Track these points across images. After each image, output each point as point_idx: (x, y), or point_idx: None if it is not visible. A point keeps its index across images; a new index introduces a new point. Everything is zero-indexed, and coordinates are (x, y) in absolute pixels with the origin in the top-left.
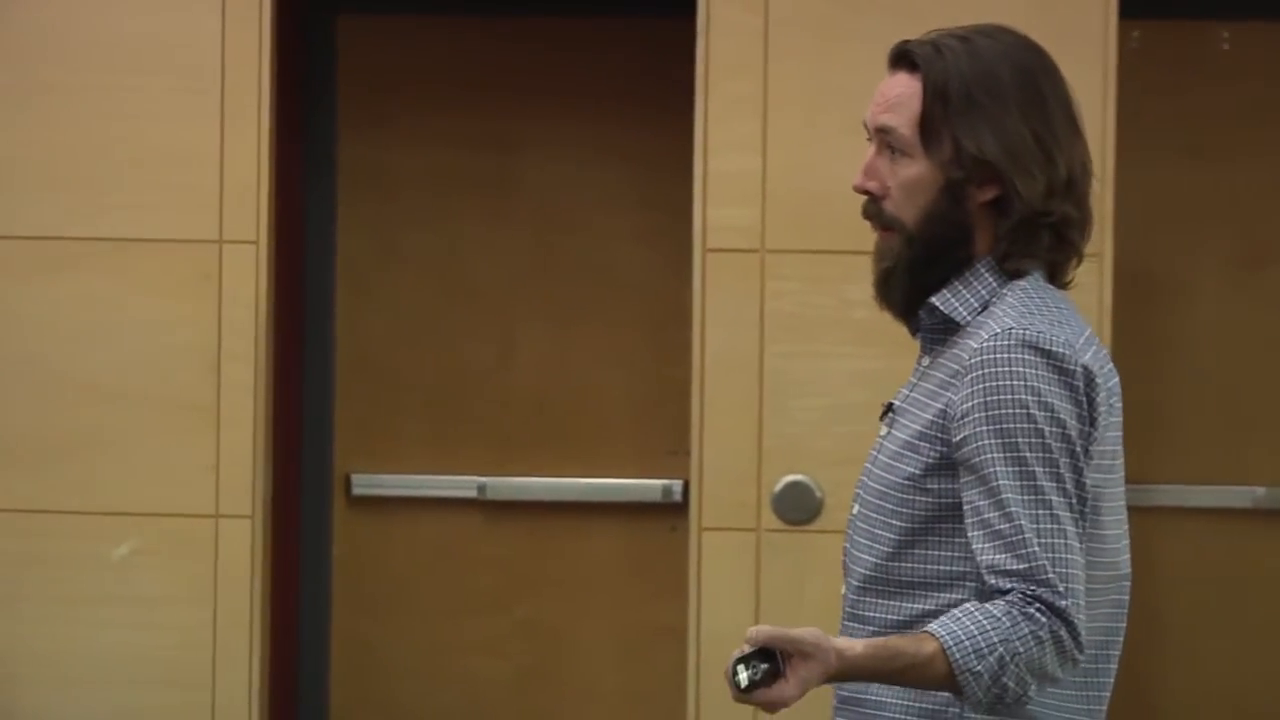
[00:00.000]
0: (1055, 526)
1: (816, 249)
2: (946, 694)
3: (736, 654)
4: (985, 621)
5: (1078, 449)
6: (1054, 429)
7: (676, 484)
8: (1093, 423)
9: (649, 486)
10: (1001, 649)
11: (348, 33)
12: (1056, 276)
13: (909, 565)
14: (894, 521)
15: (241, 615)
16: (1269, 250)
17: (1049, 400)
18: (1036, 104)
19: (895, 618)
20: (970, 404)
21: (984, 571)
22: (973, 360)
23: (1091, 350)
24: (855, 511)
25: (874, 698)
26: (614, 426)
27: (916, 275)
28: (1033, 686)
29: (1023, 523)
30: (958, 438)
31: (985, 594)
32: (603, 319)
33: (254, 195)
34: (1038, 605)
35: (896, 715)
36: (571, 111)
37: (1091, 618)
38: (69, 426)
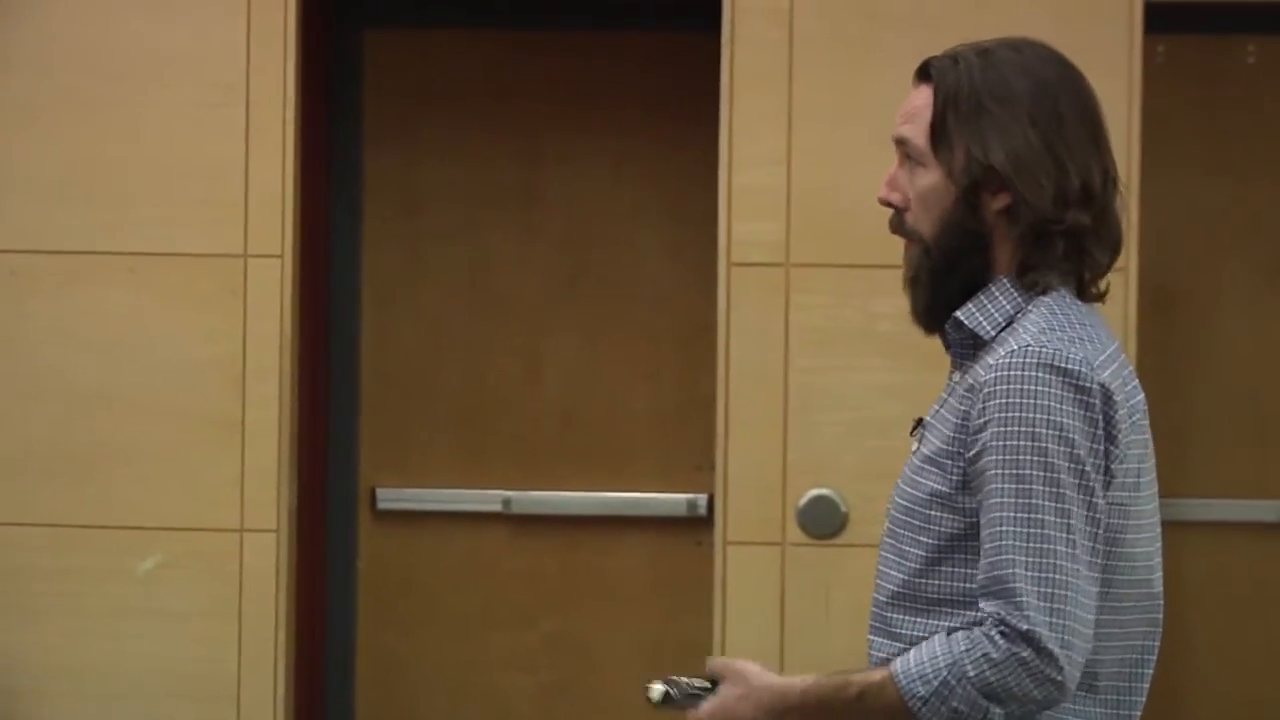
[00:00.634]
0: (1044, 546)
1: (841, 263)
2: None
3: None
4: (938, 648)
5: (1088, 469)
6: (1062, 448)
7: (702, 498)
8: (1111, 440)
9: (674, 501)
10: (947, 673)
11: (375, 46)
12: (1083, 290)
13: (936, 582)
14: (921, 538)
15: (267, 629)
16: None
17: (1059, 419)
18: (1049, 113)
19: (924, 635)
20: (982, 420)
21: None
22: (987, 377)
23: (1112, 367)
24: (886, 527)
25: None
26: (640, 440)
27: (937, 285)
28: (994, 710)
29: (1009, 543)
30: (971, 454)
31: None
32: (629, 333)
33: (279, 209)
34: (1001, 628)
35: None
36: (598, 125)
37: (1125, 635)
38: (94, 441)
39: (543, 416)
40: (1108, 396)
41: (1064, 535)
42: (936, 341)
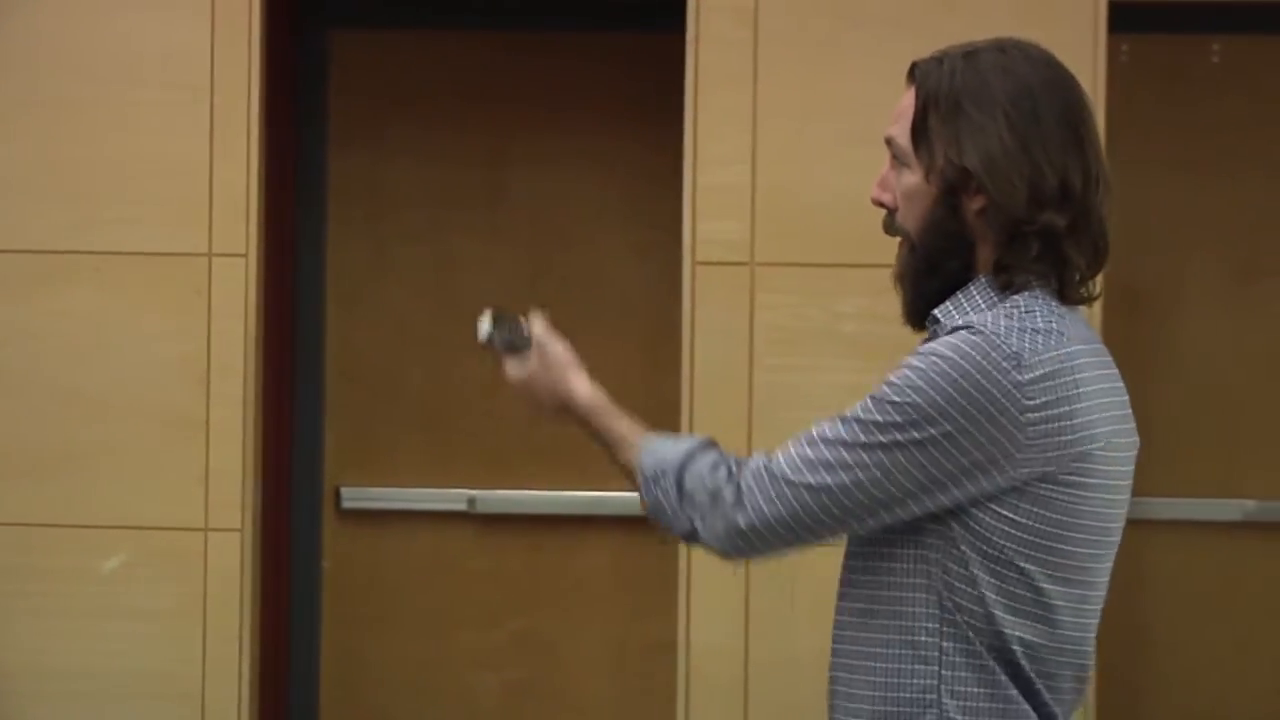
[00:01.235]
0: (832, 448)
1: (807, 262)
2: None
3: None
4: (690, 442)
5: (954, 433)
6: (940, 400)
7: None
8: (1017, 431)
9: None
10: (672, 462)
11: (340, 47)
12: (1064, 292)
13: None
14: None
15: (231, 628)
16: (1260, 263)
17: (960, 383)
18: (1027, 114)
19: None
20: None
21: None
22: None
23: (1063, 365)
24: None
25: (850, 648)
26: None
27: (919, 284)
28: (684, 514)
29: (817, 424)
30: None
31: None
32: (594, 332)
33: (244, 208)
34: (738, 467)
35: (876, 678)
36: (563, 125)
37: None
38: (57, 439)
39: (508, 416)
40: (1020, 389)
41: (870, 468)
42: (903, 341)
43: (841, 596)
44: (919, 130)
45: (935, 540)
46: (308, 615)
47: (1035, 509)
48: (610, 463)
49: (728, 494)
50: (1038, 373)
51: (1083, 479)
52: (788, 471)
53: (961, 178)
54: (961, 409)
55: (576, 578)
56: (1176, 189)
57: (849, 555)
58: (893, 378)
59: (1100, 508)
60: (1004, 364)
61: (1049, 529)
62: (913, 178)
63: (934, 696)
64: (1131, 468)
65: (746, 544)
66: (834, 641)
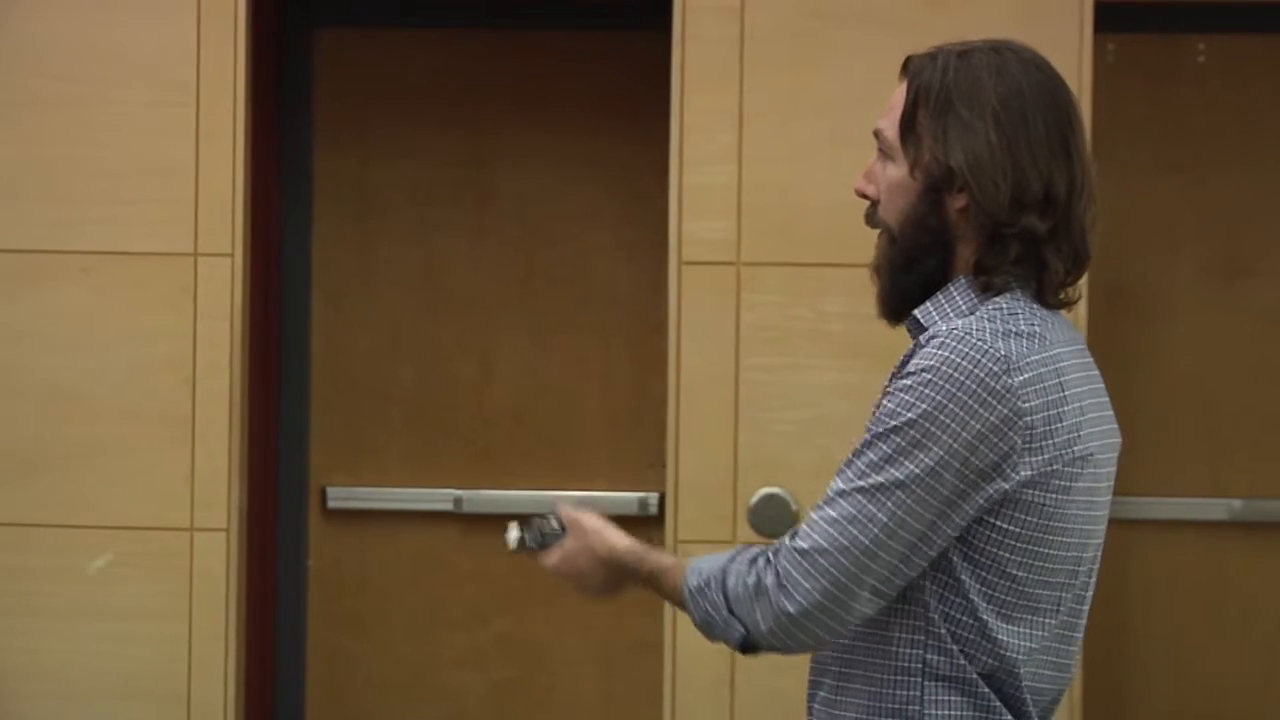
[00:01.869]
0: (861, 506)
1: (793, 261)
2: (904, 700)
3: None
4: (729, 554)
5: (966, 455)
6: (945, 421)
7: (653, 496)
8: (1009, 435)
9: (626, 499)
10: (715, 574)
11: (326, 46)
12: (1043, 295)
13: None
14: None
15: (217, 628)
16: (1245, 262)
17: (959, 396)
18: (1016, 117)
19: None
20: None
21: None
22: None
23: (1043, 370)
24: None
25: (835, 669)
26: (591, 439)
27: (896, 277)
28: (736, 626)
29: (834, 485)
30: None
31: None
32: (581, 332)
33: (230, 208)
34: (772, 555)
35: (862, 687)
36: (550, 124)
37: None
38: (44, 439)
39: (494, 415)
40: (1013, 392)
41: (889, 506)
42: (888, 340)
43: None
44: (907, 124)
45: None
46: (294, 615)
47: (1026, 516)
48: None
49: (769, 581)
50: (1027, 375)
51: (1070, 483)
52: (816, 539)
53: (946, 175)
54: (962, 421)
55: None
56: (1162, 188)
57: None
58: (887, 403)
59: (1085, 509)
60: (994, 368)
61: (1039, 534)
62: (898, 171)
63: (916, 709)
64: (1114, 468)
65: (801, 629)
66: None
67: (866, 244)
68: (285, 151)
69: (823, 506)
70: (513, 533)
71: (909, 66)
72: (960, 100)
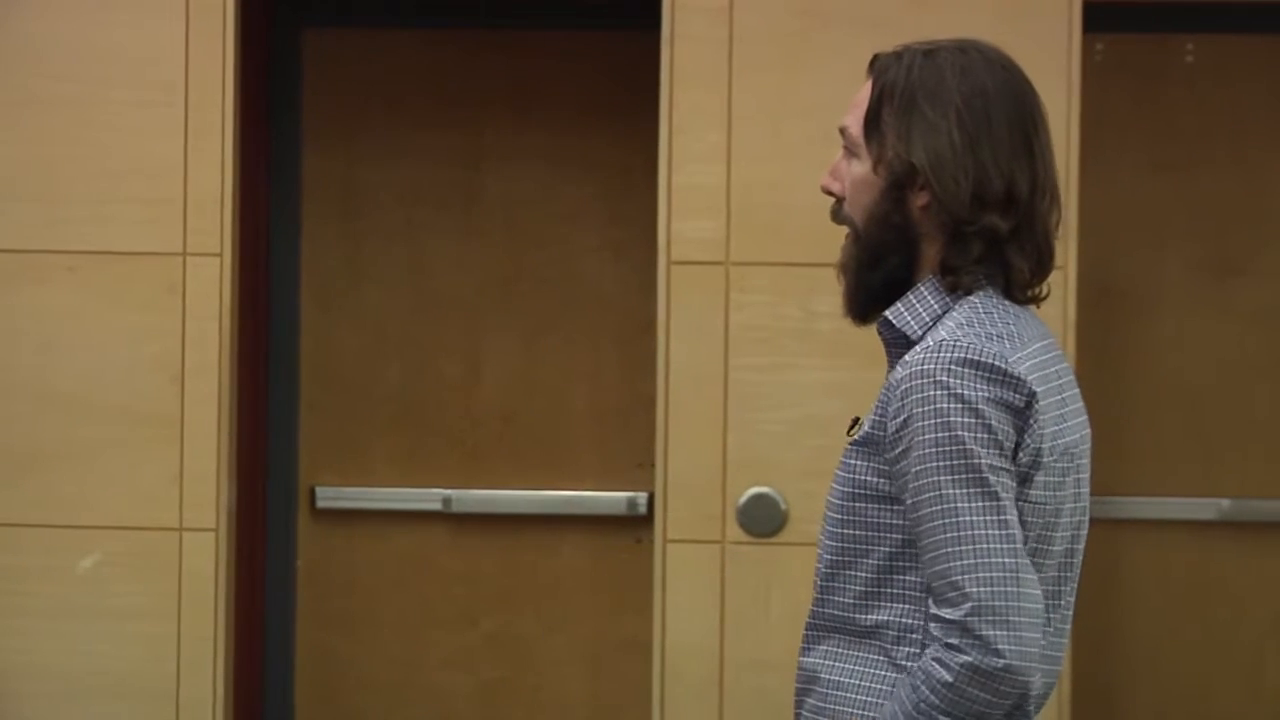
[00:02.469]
0: (980, 546)
1: (781, 261)
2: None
3: None
4: (893, 704)
5: (1007, 458)
6: (982, 435)
7: (642, 496)
8: (1027, 432)
9: (615, 499)
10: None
11: (314, 46)
12: (1010, 293)
13: (862, 574)
14: (842, 530)
15: (206, 628)
16: (1234, 261)
17: (978, 407)
18: (979, 115)
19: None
20: (901, 419)
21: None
22: (903, 374)
23: (1031, 363)
24: (822, 527)
25: (826, 676)
26: (580, 439)
27: (861, 275)
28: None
29: (946, 548)
30: (894, 452)
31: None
32: (570, 332)
33: (218, 207)
34: (947, 643)
35: (854, 695)
36: (538, 124)
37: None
38: (32, 438)
39: (483, 415)
40: (1020, 386)
41: (998, 529)
42: (878, 340)
43: (814, 616)
44: (871, 121)
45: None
46: (282, 615)
47: (1030, 518)
48: None
49: (952, 660)
50: (1016, 371)
51: (1061, 477)
52: (968, 594)
53: (908, 172)
54: (986, 425)
55: (552, 577)
56: (1151, 187)
57: (827, 575)
58: (919, 436)
59: (1074, 501)
60: (990, 374)
61: (1042, 531)
62: (862, 168)
63: None
64: (1089, 460)
65: (1023, 663)
66: (805, 654)
67: None
68: (274, 151)
69: (948, 567)
70: None
71: (875, 64)
72: (924, 98)
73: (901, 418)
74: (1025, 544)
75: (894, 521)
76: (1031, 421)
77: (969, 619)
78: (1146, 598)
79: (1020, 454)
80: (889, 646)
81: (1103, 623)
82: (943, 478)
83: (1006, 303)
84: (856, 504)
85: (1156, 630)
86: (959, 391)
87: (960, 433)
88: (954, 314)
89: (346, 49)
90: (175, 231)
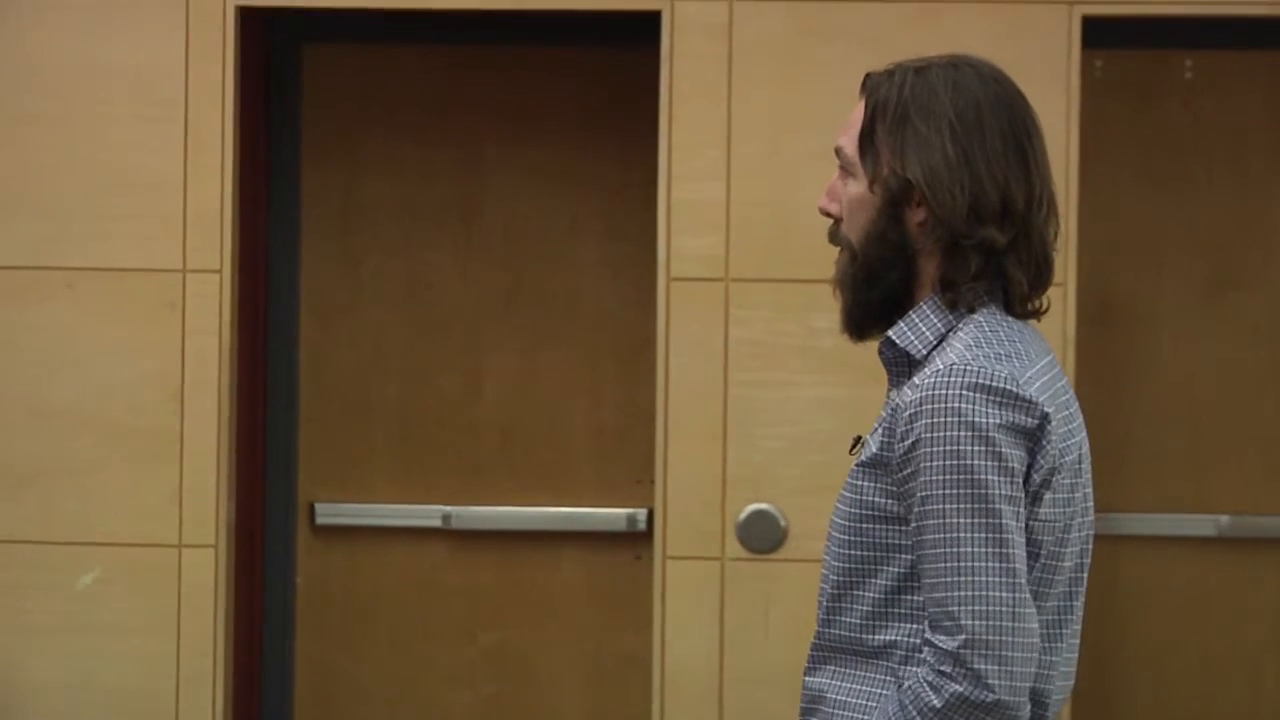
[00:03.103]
0: (978, 577)
1: (781, 277)
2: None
3: None
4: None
5: (1018, 484)
6: (991, 462)
7: (641, 513)
8: (1040, 455)
9: (614, 515)
10: None
11: (313, 61)
12: (1011, 308)
13: (870, 595)
14: (849, 551)
15: (205, 645)
16: (1233, 278)
17: (987, 434)
18: (973, 129)
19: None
20: (910, 441)
21: None
22: (913, 397)
23: (1041, 381)
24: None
25: (832, 696)
26: (579, 455)
27: (859, 292)
28: None
29: (944, 575)
30: (903, 474)
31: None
32: (569, 348)
33: (218, 224)
34: (938, 667)
35: (860, 715)
36: (537, 140)
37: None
38: (32, 455)
39: (482, 431)
40: (1033, 410)
41: (998, 562)
42: (876, 356)
43: (819, 636)
44: (866, 140)
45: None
46: (282, 631)
47: (1042, 536)
48: None
49: (943, 687)
50: (1028, 394)
51: (1069, 494)
52: (962, 626)
53: (904, 188)
54: (997, 453)
55: (551, 593)
56: (1149, 203)
57: (834, 595)
58: (926, 462)
59: (1082, 514)
60: (1002, 399)
61: (1054, 547)
62: (858, 187)
63: None
64: (1090, 469)
65: (1012, 698)
66: (810, 674)
67: None
68: (273, 168)
69: (943, 591)
70: None
71: (867, 83)
72: (917, 114)
73: (910, 440)
74: (1037, 562)
75: (903, 542)
76: (1044, 442)
77: (962, 651)
78: (1145, 614)
79: (1033, 474)
80: (896, 667)
81: (1102, 639)
82: (948, 505)
83: (1009, 319)
84: (864, 525)
85: (1155, 646)
86: (970, 419)
87: (969, 461)
88: (960, 334)
89: (346, 65)
90: (175, 248)
